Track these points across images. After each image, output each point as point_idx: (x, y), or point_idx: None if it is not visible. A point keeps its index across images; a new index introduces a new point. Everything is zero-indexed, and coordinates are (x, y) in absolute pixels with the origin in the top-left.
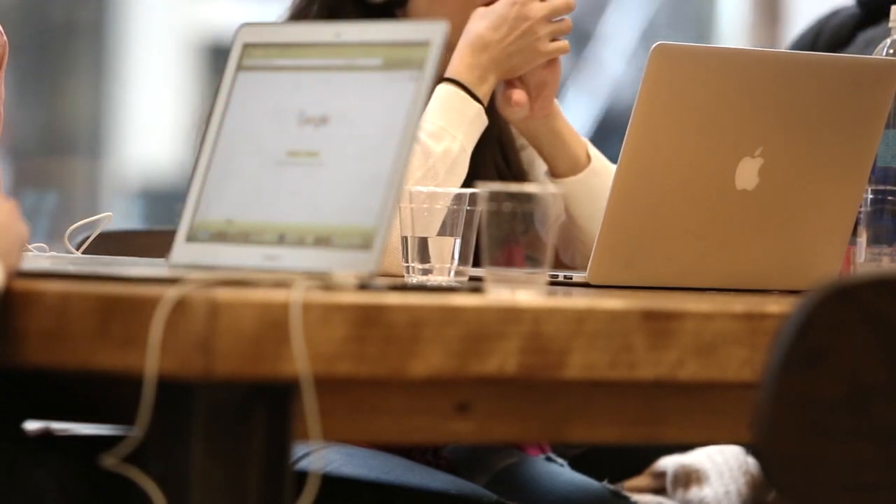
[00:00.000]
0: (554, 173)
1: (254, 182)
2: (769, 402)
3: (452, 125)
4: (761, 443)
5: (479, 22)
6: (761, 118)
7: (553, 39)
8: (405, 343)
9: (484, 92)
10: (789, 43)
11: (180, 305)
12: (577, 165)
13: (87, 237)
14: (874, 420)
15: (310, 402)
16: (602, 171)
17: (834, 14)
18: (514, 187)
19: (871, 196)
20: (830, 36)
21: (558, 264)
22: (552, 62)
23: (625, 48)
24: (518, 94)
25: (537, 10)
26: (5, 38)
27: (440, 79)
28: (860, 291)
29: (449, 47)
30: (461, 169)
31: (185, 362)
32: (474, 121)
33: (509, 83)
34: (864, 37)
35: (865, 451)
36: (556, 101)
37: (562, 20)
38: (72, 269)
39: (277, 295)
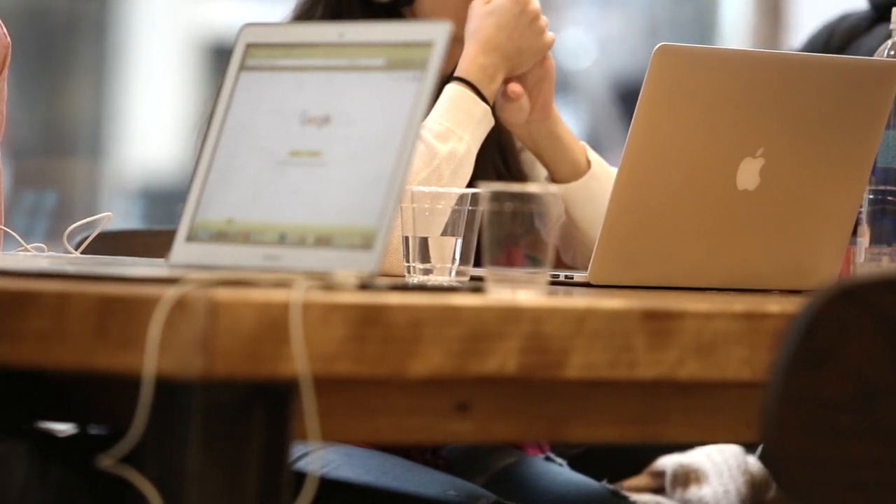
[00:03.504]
0: (555, 179)
1: (255, 182)
2: (775, 402)
3: (459, 126)
4: (768, 442)
5: (485, 21)
6: (763, 119)
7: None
8: (405, 343)
9: (492, 91)
10: (799, 46)
11: (180, 305)
12: (577, 170)
13: (87, 237)
14: (880, 420)
15: (309, 402)
16: (602, 174)
17: (843, 18)
18: (515, 187)
19: (871, 196)
20: (845, 32)
21: (559, 264)
22: (545, 57)
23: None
24: (514, 86)
25: (535, 4)
26: (9, 39)
27: (448, 76)
28: (866, 291)
29: (456, 40)
30: (466, 170)
31: (184, 362)
32: (481, 121)
33: (505, 82)
34: (883, 29)
35: (871, 450)
36: (554, 106)
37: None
38: (70, 269)
39: (277, 295)
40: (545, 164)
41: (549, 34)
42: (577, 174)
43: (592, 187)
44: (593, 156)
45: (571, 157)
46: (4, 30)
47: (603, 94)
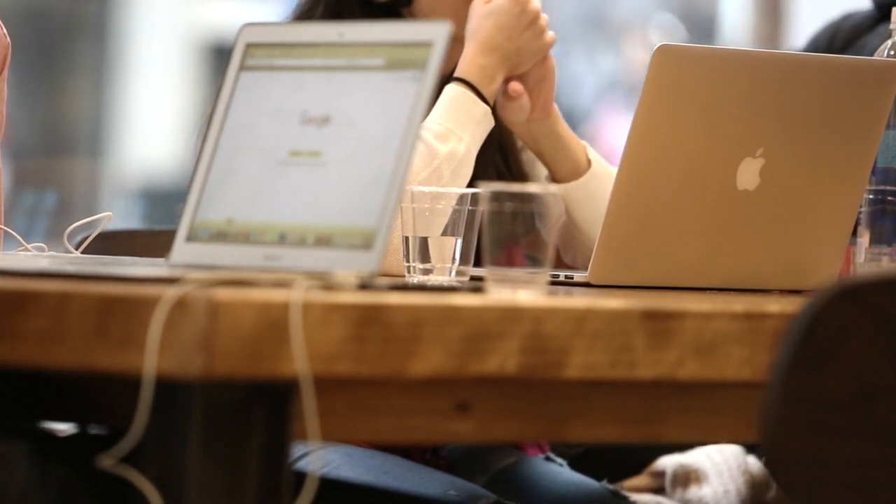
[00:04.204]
0: (555, 178)
1: (255, 182)
2: (776, 401)
3: (459, 126)
4: (768, 442)
5: (485, 21)
6: (763, 119)
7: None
8: (405, 343)
9: (492, 91)
10: (803, 46)
11: (180, 305)
12: (578, 169)
13: (87, 237)
14: (880, 420)
15: (309, 402)
16: (602, 174)
17: (847, 17)
18: (515, 187)
19: (871, 196)
20: (849, 31)
21: (559, 264)
22: (545, 57)
23: None
24: (515, 84)
25: (534, 4)
26: (9, 39)
27: (448, 77)
28: (867, 291)
29: (456, 40)
30: (466, 170)
31: (184, 362)
32: (481, 121)
33: (506, 81)
34: (886, 28)
35: (871, 450)
36: (555, 105)
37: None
38: (71, 268)
39: (277, 295)
40: (545, 164)
41: (550, 34)
42: (578, 173)
43: (593, 186)
44: (594, 155)
45: (572, 157)
46: (4, 30)
47: None
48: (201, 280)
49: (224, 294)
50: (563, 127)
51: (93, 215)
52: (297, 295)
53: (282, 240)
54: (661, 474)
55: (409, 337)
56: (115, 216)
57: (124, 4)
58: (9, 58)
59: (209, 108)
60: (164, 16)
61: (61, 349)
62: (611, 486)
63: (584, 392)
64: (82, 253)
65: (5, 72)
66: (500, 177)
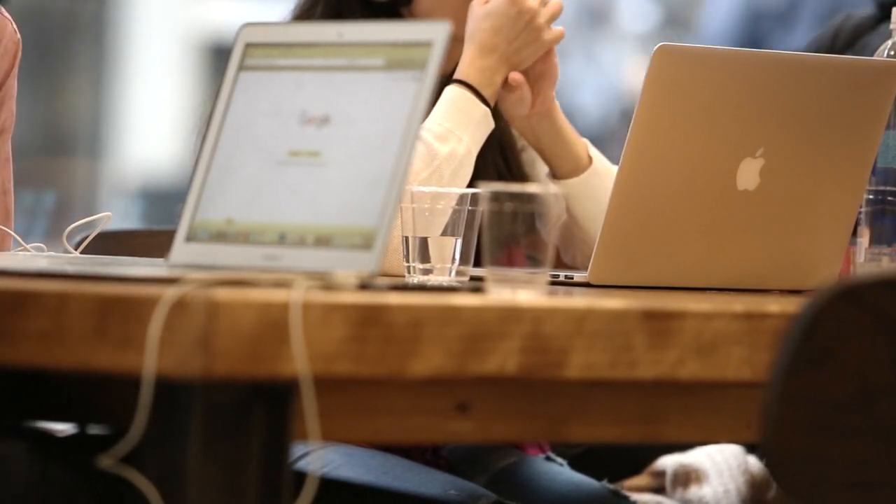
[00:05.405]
0: (556, 174)
1: (254, 182)
2: (776, 401)
3: (459, 127)
4: (768, 442)
5: (482, 24)
6: (763, 119)
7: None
8: (405, 343)
9: (491, 93)
10: (805, 46)
11: (179, 305)
12: (579, 166)
13: (86, 237)
14: (880, 419)
15: (309, 402)
16: (603, 171)
17: (848, 17)
18: (515, 187)
19: (871, 196)
20: (852, 30)
21: (559, 264)
22: (547, 53)
23: None
24: (514, 74)
25: (531, 2)
26: (19, 35)
27: (447, 78)
28: (867, 291)
29: (456, 40)
30: (466, 171)
31: (183, 362)
32: (481, 123)
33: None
34: (888, 27)
35: (871, 450)
36: (556, 101)
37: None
38: (70, 269)
39: (277, 295)
40: (546, 160)
41: (557, 29)
42: (579, 169)
43: (594, 183)
44: (594, 152)
45: (573, 153)
46: (14, 27)
47: None
48: (201, 280)
49: (224, 294)
50: (565, 123)
51: (92, 215)
52: (297, 295)
53: (281, 240)
54: (661, 474)
55: (409, 337)
56: (115, 216)
57: (123, 4)
58: (19, 55)
59: (208, 108)
60: (162, 15)
61: (61, 349)
62: (611, 486)
63: (584, 392)
64: (81, 253)
65: (15, 69)
66: (501, 177)
